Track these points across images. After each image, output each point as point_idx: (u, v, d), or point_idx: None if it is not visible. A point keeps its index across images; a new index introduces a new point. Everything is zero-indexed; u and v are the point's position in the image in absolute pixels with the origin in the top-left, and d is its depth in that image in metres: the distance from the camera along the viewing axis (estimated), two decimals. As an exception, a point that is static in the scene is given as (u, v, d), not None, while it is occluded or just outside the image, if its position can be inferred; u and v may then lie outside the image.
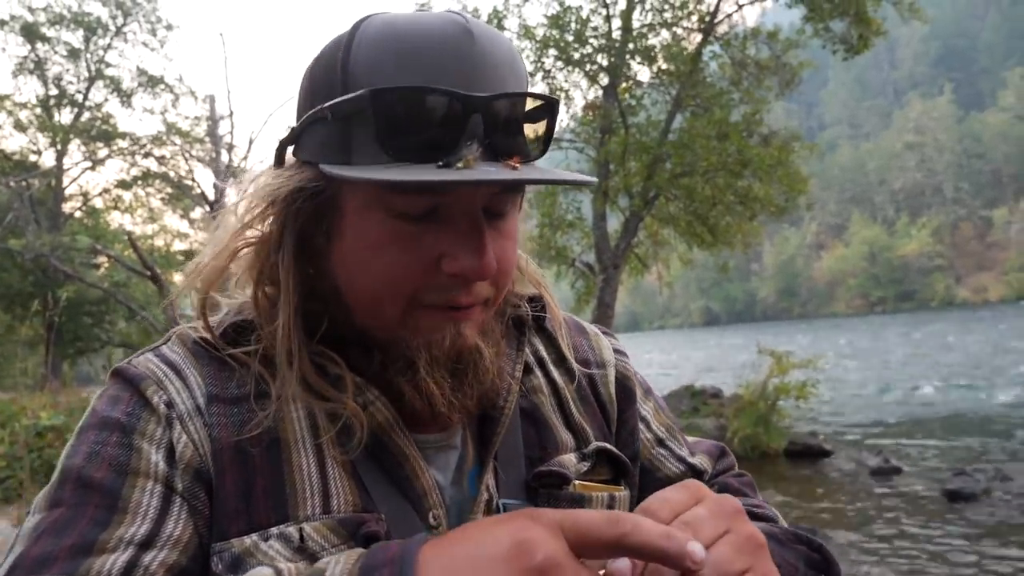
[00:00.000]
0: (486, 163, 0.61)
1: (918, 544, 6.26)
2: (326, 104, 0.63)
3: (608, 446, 0.81)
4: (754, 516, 0.81)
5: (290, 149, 0.70)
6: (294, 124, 0.69)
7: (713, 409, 11.74)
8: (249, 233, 0.71)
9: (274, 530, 0.63)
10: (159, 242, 21.24)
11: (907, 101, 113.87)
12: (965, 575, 5.50)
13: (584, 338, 0.91)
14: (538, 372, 0.83)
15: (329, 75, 0.64)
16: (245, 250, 0.72)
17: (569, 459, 0.77)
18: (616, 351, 0.92)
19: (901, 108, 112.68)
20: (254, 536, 0.63)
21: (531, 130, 0.65)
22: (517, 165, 0.62)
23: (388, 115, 0.60)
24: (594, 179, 0.67)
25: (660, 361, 36.23)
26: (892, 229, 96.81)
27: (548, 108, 0.67)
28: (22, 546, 0.59)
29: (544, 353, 0.85)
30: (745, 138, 12.10)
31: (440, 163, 0.59)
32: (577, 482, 0.76)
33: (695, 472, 0.88)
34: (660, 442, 0.89)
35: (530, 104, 0.65)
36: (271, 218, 0.69)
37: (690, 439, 0.95)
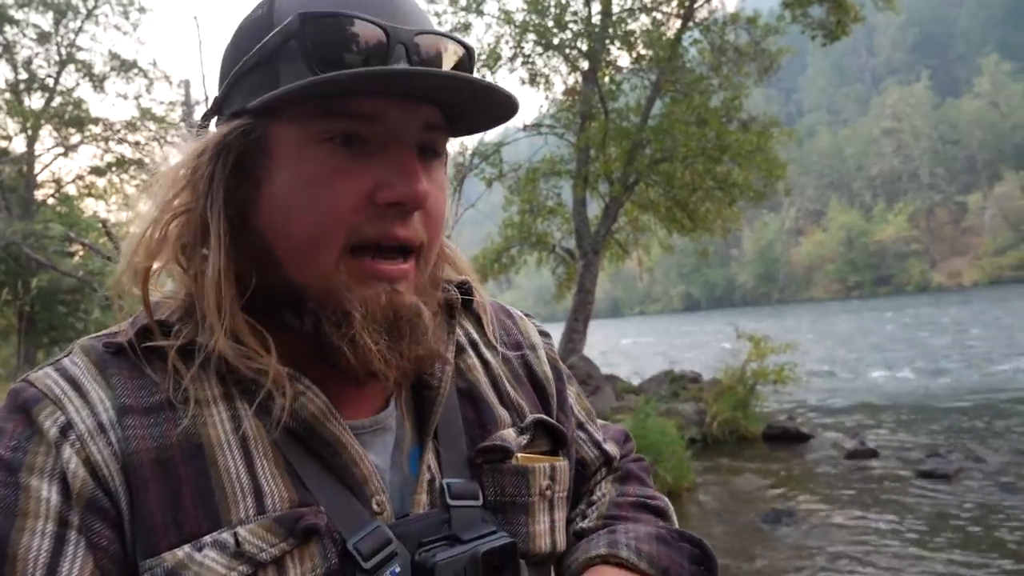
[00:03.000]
0: None
1: (894, 524, 6.37)
2: (253, 49, 0.64)
3: (544, 417, 0.82)
4: (647, 508, 0.87)
5: (214, 121, 0.70)
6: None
7: (692, 393, 11.84)
8: (177, 202, 0.67)
9: (207, 538, 0.60)
10: (134, 229, 20.92)
11: (885, 87, 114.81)
12: (939, 555, 5.61)
13: (511, 320, 0.92)
14: (471, 352, 0.84)
15: (256, 24, 0.66)
16: (174, 221, 0.68)
17: (509, 433, 0.78)
18: (542, 333, 0.94)
19: (879, 94, 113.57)
20: (186, 548, 0.59)
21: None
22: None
23: (316, 41, 0.61)
24: (516, 98, 0.65)
25: (641, 346, 36.46)
26: (869, 214, 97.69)
27: (468, 56, 0.68)
28: None
29: (475, 335, 0.86)
30: (724, 124, 12.15)
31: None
32: (519, 455, 0.77)
33: (607, 458, 0.93)
34: (580, 425, 0.93)
35: (451, 50, 0.66)
36: (200, 179, 0.66)
37: (599, 422, 0.99)
